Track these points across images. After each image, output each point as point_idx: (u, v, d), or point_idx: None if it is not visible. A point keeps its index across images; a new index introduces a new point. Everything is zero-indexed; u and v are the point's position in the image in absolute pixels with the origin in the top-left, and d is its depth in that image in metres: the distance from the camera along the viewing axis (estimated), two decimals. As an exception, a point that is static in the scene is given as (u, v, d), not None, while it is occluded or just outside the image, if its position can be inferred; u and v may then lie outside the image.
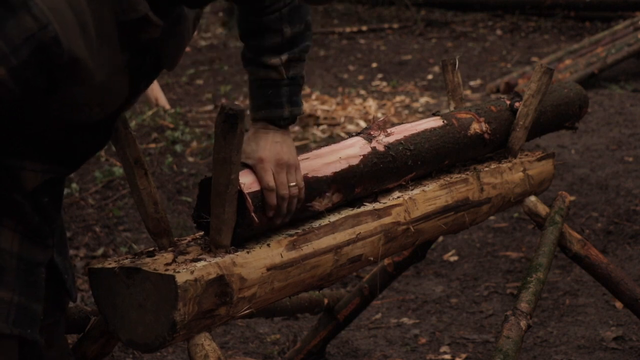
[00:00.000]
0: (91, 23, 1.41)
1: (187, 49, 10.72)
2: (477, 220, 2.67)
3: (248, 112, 1.88)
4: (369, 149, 2.25)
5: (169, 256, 1.82)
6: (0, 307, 1.54)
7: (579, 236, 2.88)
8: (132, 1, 1.49)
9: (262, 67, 1.94)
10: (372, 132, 2.33)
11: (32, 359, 1.64)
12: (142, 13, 1.51)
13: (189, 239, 1.97)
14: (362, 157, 2.22)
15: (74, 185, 4.97)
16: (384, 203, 2.27)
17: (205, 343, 1.81)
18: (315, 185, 2.07)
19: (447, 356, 3.30)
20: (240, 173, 1.89)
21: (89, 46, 1.42)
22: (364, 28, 11.79)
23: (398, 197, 2.32)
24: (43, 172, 1.61)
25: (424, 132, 2.46)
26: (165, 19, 1.58)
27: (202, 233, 1.96)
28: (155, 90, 7.08)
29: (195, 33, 12.12)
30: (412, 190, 2.40)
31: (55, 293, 1.79)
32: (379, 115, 6.92)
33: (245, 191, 1.88)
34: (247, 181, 1.91)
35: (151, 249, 1.89)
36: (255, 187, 1.92)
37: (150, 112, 6.72)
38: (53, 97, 1.45)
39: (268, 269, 1.91)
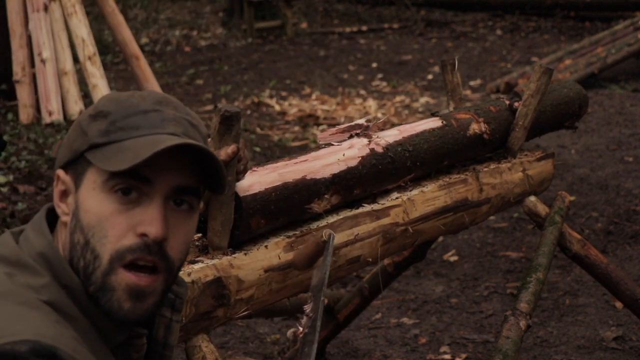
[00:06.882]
0: None
1: (188, 48, 10.73)
2: (477, 221, 2.66)
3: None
4: (368, 151, 2.25)
5: (166, 258, 1.82)
6: None
7: (579, 236, 2.87)
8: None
9: None
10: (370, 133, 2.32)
11: None
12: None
13: (187, 240, 1.96)
14: (360, 158, 2.21)
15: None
16: (383, 204, 2.27)
17: (203, 345, 1.81)
18: (314, 187, 2.06)
19: (447, 356, 3.29)
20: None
21: None
22: (364, 28, 11.79)
23: (397, 198, 2.32)
24: None
25: (423, 132, 2.46)
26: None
27: (200, 235, 1.96)
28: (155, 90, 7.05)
29: (196, 32, 12.08)
30: (410, 190, 2.39)
31: None
32: (379, 115, 6.92)
33: (243, 194, 1.88)
34: (245, 183, 1.91)
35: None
36: (254, 190, 1.92)
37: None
38: None
39: (266, 271, 1.91)
